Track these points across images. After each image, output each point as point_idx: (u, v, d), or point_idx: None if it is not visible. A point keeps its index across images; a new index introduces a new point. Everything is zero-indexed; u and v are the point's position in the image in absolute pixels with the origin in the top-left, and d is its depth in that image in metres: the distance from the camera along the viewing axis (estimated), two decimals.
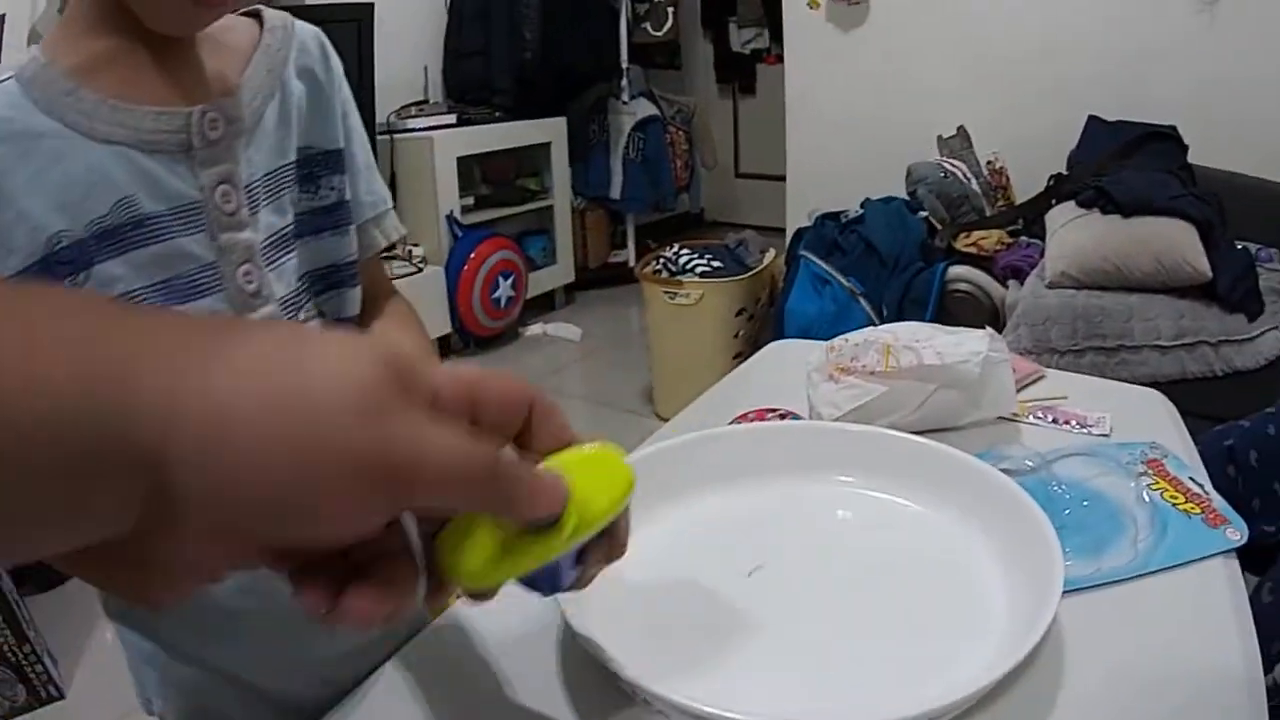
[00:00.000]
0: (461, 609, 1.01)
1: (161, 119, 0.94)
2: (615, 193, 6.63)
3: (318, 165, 1.11)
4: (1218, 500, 1.18)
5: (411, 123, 5.58)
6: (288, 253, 1.06)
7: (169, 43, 0.96)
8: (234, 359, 0.45)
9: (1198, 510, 1.15)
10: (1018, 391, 1.48)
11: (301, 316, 1.07)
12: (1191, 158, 4.02)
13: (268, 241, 1.03)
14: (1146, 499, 1.15)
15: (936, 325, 1.45)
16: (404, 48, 5.83)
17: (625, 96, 6.70)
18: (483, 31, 6.01)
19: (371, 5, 5.13)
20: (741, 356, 4.23)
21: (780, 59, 6.33)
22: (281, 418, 0.45)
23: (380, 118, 5.40)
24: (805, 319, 3.96)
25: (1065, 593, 0.91)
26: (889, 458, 1.14)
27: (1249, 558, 1.63)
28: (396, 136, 5.56)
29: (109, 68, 0.93)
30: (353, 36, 5.10)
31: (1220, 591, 1.01)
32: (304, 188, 1.09)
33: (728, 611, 0.96)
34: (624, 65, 6.63)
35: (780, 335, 3.89)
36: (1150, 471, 1.22)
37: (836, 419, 1.31)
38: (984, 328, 2.93)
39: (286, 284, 1.05)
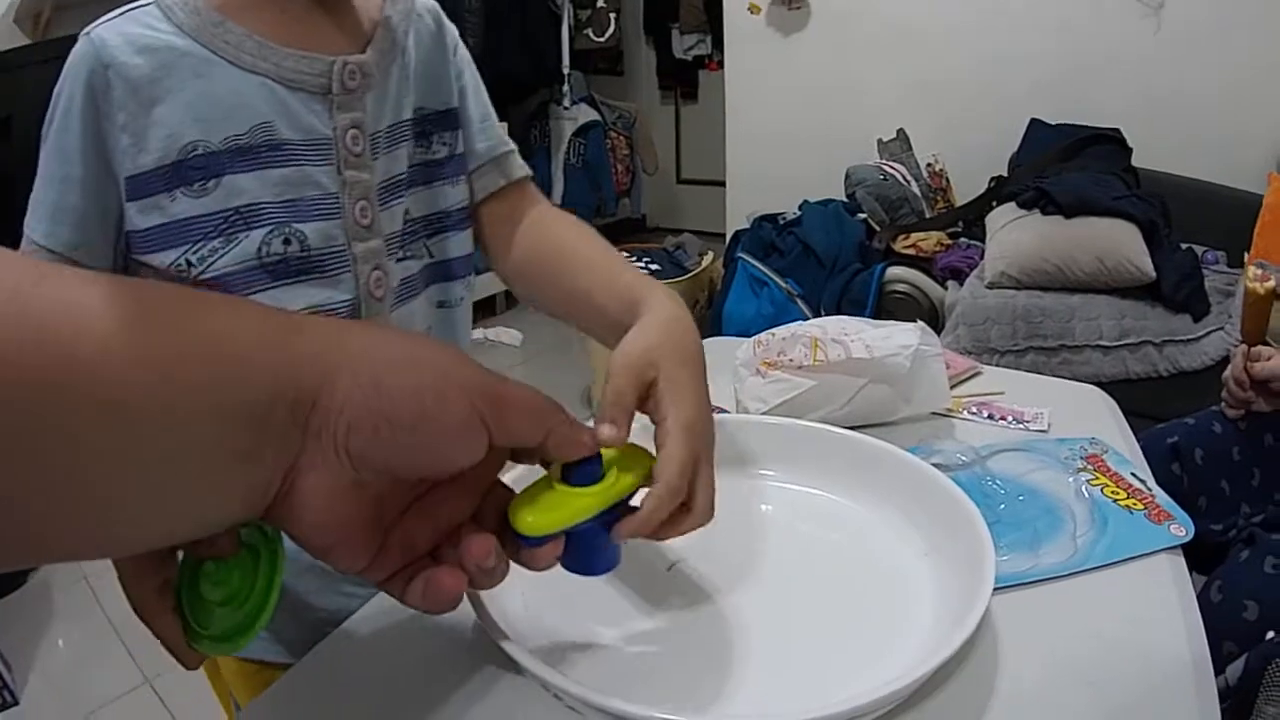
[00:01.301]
0: None
1: (304, 61, 1.03)
2: (556, 198, 6.60)
3: (430, 124, 1.19)
4: (1161, 496, 1.14)
5: None
6: (398, 197, 1.14)
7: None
8: (367, 333, 0.63)
9: (1140, 506, 1.11)
10: (953, 387, 1.44)
11: (404, 254, 1.15)
12: (1136, 162, 4.04)
13: (383, 184, 1.11)
14: (1085, 494, 1.12)
15: (866, 319, 1.41)
16: None
17: (566, 102, 6.73)
18: (464, 31, 6.00)
19: None
20: None
21: (721, 64, 6.36)
22: (414, 364, 0.61)
23: None
24: (743, 320, 3.96)
25: (1002, 588, 0.90)
26: (812, 451, 1.10)
27: (1196, 557, 1.60)
28: None
29: (256, 10, 1.01)
30: None
31: (1166, 588, 0.98)
32: (418, 143, 1.17)
33: (644, 607, 0.92)
34: (566, 71, 6.67)
35: (717, 336, 3.93)
36: (1090, 467, 1.19)
37: (764, 413, 1.27)
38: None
39: (395, 223, 1.13)
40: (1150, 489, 1.15)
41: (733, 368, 1.39)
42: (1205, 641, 0.89)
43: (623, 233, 7.49)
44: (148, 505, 0.52)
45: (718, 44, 6.97)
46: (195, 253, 1.00)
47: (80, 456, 0.47)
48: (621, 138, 7.15)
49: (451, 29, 1.23)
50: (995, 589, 0.84)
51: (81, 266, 0.97)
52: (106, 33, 0.97)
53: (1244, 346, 1.79)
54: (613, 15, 7.09)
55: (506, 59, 6.09)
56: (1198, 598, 1.41)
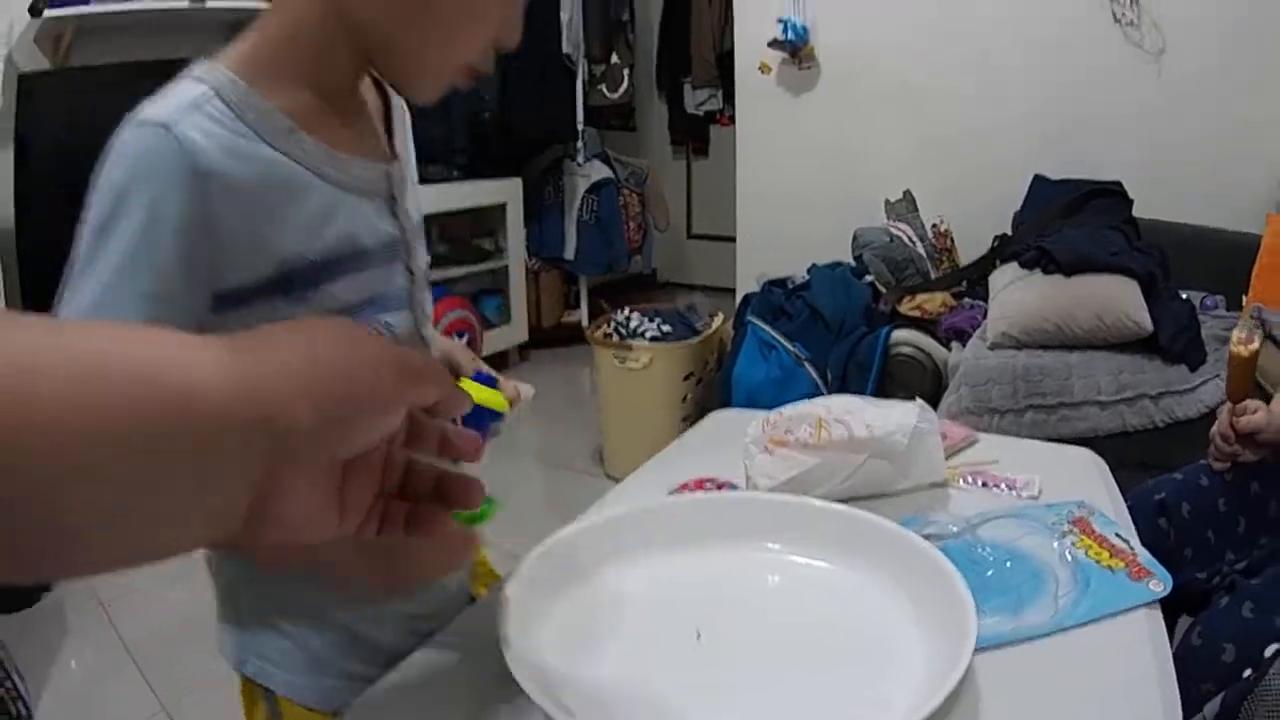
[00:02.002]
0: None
1: (366, 169, 1.11)
2: (569, 254, 6.66)
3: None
4: (1143, 554, 1.22)
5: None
6: (427, 286, 1.28)
7: (351, 104, 1.13)
8: (293, 340, 0.66)
9: (1121, 565, 1.19)
10: (952, 457, 1.55)
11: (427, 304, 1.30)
12: (1138, 210, 4.07)
13: (423, 274, 1.25)
14: (1069, 558, 1.20)
15: (868, 398, 1.51)
16: None
17: (580, 159, 6.73)
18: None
19: None
20: (689, 420, 4.29)
21: (732, 119, 6.39)
22: (346, 353, 0.66)
23: None
24: (751, 384, 4.01)
25: (986, 649, 0.98)
26: (815, 526, 1.20)
27: (1183, 603, 1.70)
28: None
29: (317, 117, 1.06)
30: None
31: (1142, 643, 1.06)
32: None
33: (670, 674, 1.02)
34: (580, 128, 6.68)
35: (727, 400, 4.01)
36: (1076, 530, 1.28)
37: (771, 489, 1.36)
38: (924, 392, 3.02)
39: (425, 293, 1.27)
40: (1133, 548, 1.24)
41: (743, 444, 1.46)
42: (1176, 691, 0.98)
43: (633, 288, 7.56)
44: (114, 536, 0.55)
45: (729, 99, 6.98)
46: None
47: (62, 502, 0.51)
48: (634, 194, 7.16)
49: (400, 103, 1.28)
50: (979, 649, 0.94)
51: None
52: (191, 131, 0.97)
53: (1229, 404, 1.88)
54: (626, 71, 7.17)
55: (522, 115, 6.20)
56: (1180, 641, 1.52)
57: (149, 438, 0.53)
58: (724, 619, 1.10)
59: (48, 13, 4.37)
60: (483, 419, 1.22)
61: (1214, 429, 1.93)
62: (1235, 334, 1.88)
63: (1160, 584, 1.16)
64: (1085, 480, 1.52)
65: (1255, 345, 1.84)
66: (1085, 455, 1.65)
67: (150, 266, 0.97)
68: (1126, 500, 1.52)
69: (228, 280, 1.01)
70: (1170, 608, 1.56)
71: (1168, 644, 1.08)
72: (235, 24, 3.84)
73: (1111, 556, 1.21)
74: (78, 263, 1.01)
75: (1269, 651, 1.50)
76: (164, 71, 3.60)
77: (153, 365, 0.56)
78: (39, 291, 4.27)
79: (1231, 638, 1.58)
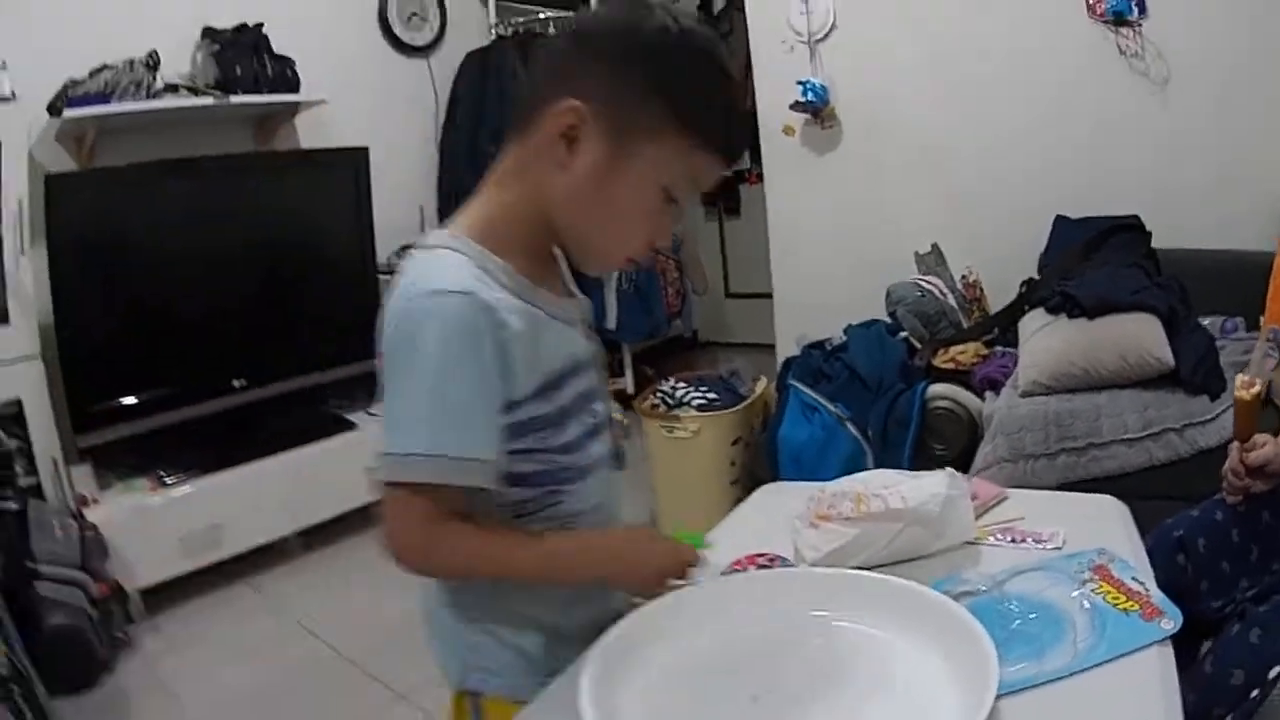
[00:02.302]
0: None
1: (568, 306, 1.50)
2: (611, 323, 6.66)
3: None
4: (1156, 595, 1.36)
5: (432, 238, 5.77)
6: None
7: (550, 261, 1.50)
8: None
9: (1135, 607, 1.33)
10: (982, 515, 1.70)
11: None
12: (1157, 240, 4.17)
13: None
14: (1088, 605, 1.34)
15: (904, 472, 1.68)
16: (398, 188, 6.00)
17: None
18: (474, 174, 6.16)
19: (366, 151, 5.37)
20: (738, 482, 4.45)
21: (760, 178, 6.44)
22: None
23: (381, 258, 5.60)
24: (796, 445, 4.11)
25: (1011, 693, 1.13)
26: (857, 594, 1.37)
27: (1203, 629, 1.84)
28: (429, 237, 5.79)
29: (534, 271, 1.43)
30: (350, 180, 5.37)
31: (1152, 680, 1.20)
32: None
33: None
34: None
35: (773, 462, 4.13)
36: (1096, 577, 1.42)
37: (817, 560, 1.52)
38: (961, 442, 3.17)
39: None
40: (1147, 589, 1.37)
41: (791, 521, 1.64)
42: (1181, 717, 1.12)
43: (674, 351, 7.68)
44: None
45: (756, 157, 7.12)
46: (530, 440, 1.42)
47: None
48: (670, 261, 7.19)
49: None
50: (1006, 693, 1.11)
51: (482, 463, 1.33)
52: (485, 294, 1.31)
53: (1237, 443, 2.02)
54: None
55: None
56: (1193, 668, 1.66)
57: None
58: (778, 681, 1.27)
59: (67, 113, 4.46)
60: None
61: (1226, 466, 2.05)
62: (1239, 377, 2.01)
63: (1171, 622, 1.29)
64: (1107, 526, 1.65)
65: (1257, 389, 1.98)
66: (1108, 502, 1.78)
67: (484, 394, 1.33)
68: (1147, 540, 1.66)
69: (513, 393, 1.36)
70: (1193, 635, 1.72)
71: (1176, 678, 1.20)
72: (260, 118, 4.65)
73: (1127, 600, 1.35)
74: (408, 403, 1.33)
75: (1273, 673, 1.63)
76: (189, 171, 4.28)
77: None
78: (80, 382, 4.47)
79: (1240, 663, 1.70)
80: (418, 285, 1.32)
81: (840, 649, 1.32)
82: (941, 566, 1.52)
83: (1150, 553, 1.62)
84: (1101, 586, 1.40)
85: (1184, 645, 1.35)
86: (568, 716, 1.18)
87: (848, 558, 1.51)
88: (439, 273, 1.33)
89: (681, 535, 1.55)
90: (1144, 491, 2.98)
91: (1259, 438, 2.00)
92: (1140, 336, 3.42)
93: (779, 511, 1.77)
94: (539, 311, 1.39)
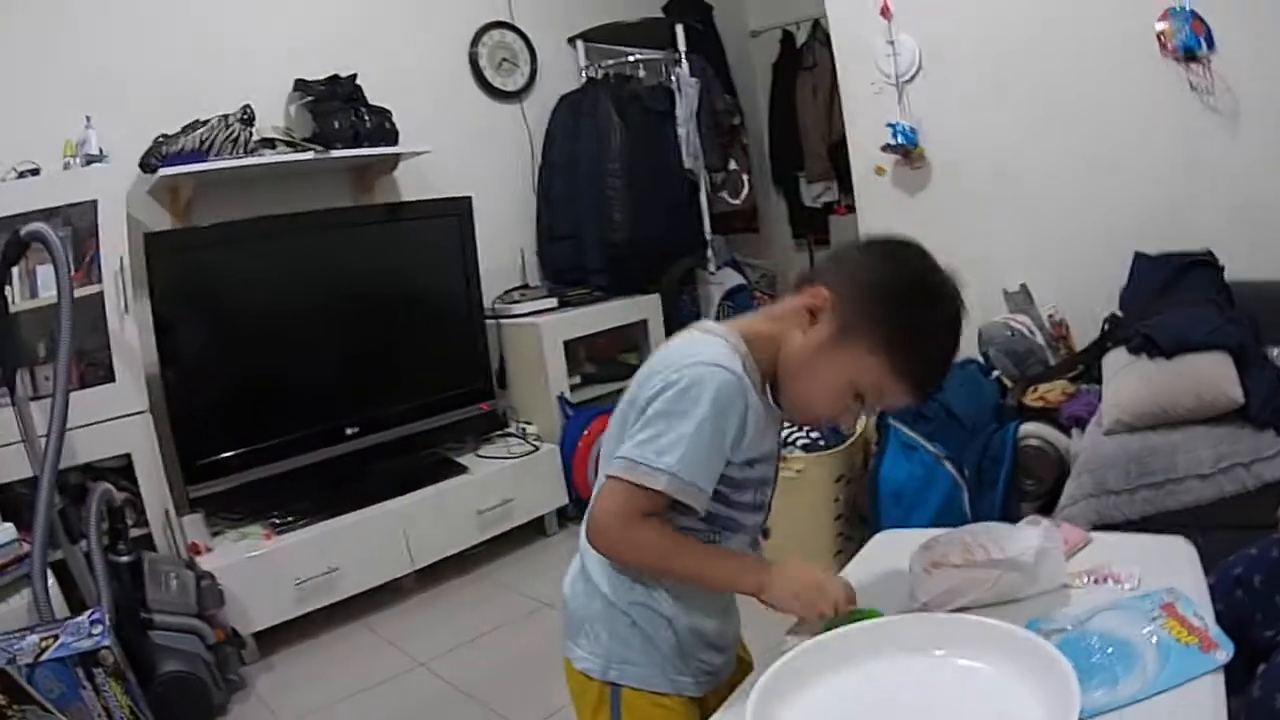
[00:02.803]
0: None
1: (777, 416, 1.88)
2: None
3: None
4: (1214, 629, 1.59)
5: (516, 308, 6.00)
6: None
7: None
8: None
9: (1195, 640, 1.56)
10: (1072, 556, 1.97)
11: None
12: (1231, 272, 4.26)
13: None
14: (1155, 640, 1.58)
15: (1004, 524, 1.94)
16: (498, 233, 6.24)
17: (712, 267, 7.02)
18: (572, 215, 6.40)
19: (470, 199, 5.57)
20: (842, 517, 4.60)
21: (850, 209, 6.46)
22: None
23: (485, 302, 5.82)
24: (896, 483, 4.27)
25: (1092, 716, 1.39)
26: (970, 634, 1.63)
27: (1258, 657, 2.10)
28: (503, 321, 6.06)
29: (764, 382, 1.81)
30: (455, 228, 5.65)
31: (1205, 703, 1.44)
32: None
33: None
34: (707, 237, 6.97)
35: (875, 499, 4.29)
36: (1164, 614, 1.65)
37: (930, 601, 1.79)
38: (1050, 478, 3.41)
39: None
40: (1206, 624, 1.61)
41: (907, 564, 1.89)
42: None
43: None
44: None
45: (844, 189, 7.08)
46: (729, 491, 1.82)
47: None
48: (766, 298, 7.21)
49: None
50: (1087, 716, 1.37)
51: (702, 492, 1.73)
52: (745, 377, 1.73)
53: None
54: (745, 175, 7.30)
55: (652, 231, 6.38)
56: (1243, 694, 1.92)
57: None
58: (908, 711, 1.54)
59: (164, 170, 4.60)
60: None
61: None
62: None
63: (1224, 653, 1.53)
64: (1176, 565, 1.90)
65: None
66: (1177, 543, 2.02)
67: (721, 446, 1.73)
68: (1211, 577, 1.92)
69: (735, 456, 1.77)
70: (1249, 663, 1.99)
71: (1225, 703, 1.44)
72: (358, 169, 5.10)
73: (1189, 634, 1.58)
74: (673, 432, 1.70)
75: None
76: (284, 227, 4.75)
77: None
78: (189, 435, 4.66)
79: None
80: (700, 355, 1.73)
81: (956, 682, 1.57)
82: (1036, 608, 1.76)
83: (1212, 588, 1.87)
84: (1168, 623, 1.63)
85: (1240, 670, 1.60)
86: None
87: (955, 599, 1.77)
88: (717, 352, 1.74)
89: (861, 612, 1.82)
90: (1214, 523, 3.17)
91: None
92: (1214, 376, 3.54)
93: (893, 556, 2.06)
94: (757, 401, 1.76)
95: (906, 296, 1.72)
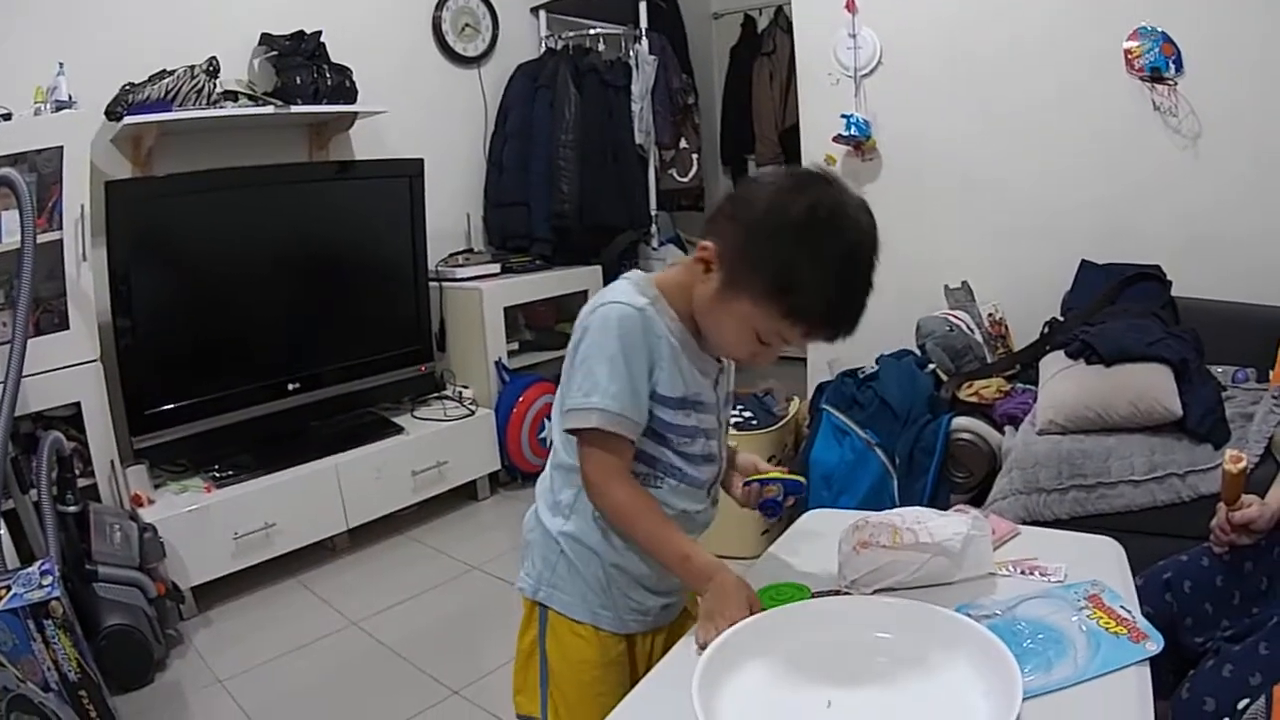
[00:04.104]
0: None
1: (707, 363, 1.88)
2: None
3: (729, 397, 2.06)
4: (1141, 621, 1.61)
5: (459, 271, 5.95)
6: (726, 429, 2.04)
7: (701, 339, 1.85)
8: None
9: (1124, 630, 1.58)
10: (999, 547, 1.97)
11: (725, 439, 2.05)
12: (1179, 288, 4.34)
13: (725, 423, 2.03)
14: (1084, 627, 1.59)
15: (934, 510, 1.92)
16: (447, 197, 6.15)
17: (655, 243, 6.97)
18: (522, 183, 6.36)
19: (421, 161, 5.51)
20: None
21: None
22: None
23: (430, 265, 5.79)
24: (827, 467, 4.27)
25: (1026, 699, 1.38)
26: (910, 619, 1.64)
27: (1182, 664, 2.11)
28: (445, 284, 6.02)
29: (688, 328, 1.83)
30: (405, 190, 5.56)
31: (1130, 694, 1.45)
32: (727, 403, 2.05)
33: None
34: (653, 213, 6.94)
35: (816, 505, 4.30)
36: (1090, 605, 1.67)
37: (856, 579, 1.80)
38: (980, 472, 3.41)
39: (723, 433, 2.01)
40: (1134, 616, 1.62)
41: (837, 543, 1.89)
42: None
43: None
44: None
45: None
46: (676, 442, 1.87)
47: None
48: None
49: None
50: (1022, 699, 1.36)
51: (634, 422, 1.77)
52: (649, 312, 1.77)
53: (1224, 505, 2.28)
54: (695, 155, 7.36)
55: (600, 204, 6.37)
56: (1173, 695, 1.93)
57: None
58: (848, 690, 1.53)
59: (128, 118, 4.52)
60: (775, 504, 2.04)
61: (1213, 521, 2.27)
62: (1229, 452, 2.21)
63: (1154, 644, 1.54)
64: (1103, 564, 1.90)
65: (1243, 464, 2.23)
66: (1106, 543, 2.03)
67: (638, 374, 1.77)
68: (1139, 579, 1.92)
69: (662, 389, 1.81)
70: (1177, 668, 2.01)
71: (1151, 694, 1.45)
72: (315, 125, 4.93)
73: (1117, 624, 1.60)
74: (592, 373, 1.77)
75: (1240, 704, 1.87)
76: (240, 180, 4.62)
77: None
78: (137, 386, 4.58)
79: (1213, 693, 1.93)
80: (604, 298, 1.79)
81: (896, 664, 1.57)
82: (962, 593, 1.76)
83: (1140, 590, 1.88)
84: (1095, 613, 1.64)
85: (1167, 674, 1.60)
86: (664, 712, 1.51)
87: (882, 579, 1.78)
88: (619, 290, 1.80)
89: (787, 586, 1.88)
90: (1145, 529, 3.22)
91: (1245, 498, 2.24)
92: (1152, 387, 3.59)
93: (824, 533, 2.07)
94: (676, 344, 1.80)
95: (789, 236, 1.65)
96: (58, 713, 3.01)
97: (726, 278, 1.72)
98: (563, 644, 1.95)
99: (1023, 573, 1.87)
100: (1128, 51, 4.49)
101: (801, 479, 2.06)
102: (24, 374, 3.83)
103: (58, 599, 2.99)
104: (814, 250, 1.64)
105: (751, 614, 1.68)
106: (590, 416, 1.74)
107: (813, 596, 1.82)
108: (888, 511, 1.94)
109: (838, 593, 1.82)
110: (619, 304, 1.76)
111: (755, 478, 2.05)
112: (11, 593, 3.00)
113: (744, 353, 1.81)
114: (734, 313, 1.73)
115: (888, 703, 1.51)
